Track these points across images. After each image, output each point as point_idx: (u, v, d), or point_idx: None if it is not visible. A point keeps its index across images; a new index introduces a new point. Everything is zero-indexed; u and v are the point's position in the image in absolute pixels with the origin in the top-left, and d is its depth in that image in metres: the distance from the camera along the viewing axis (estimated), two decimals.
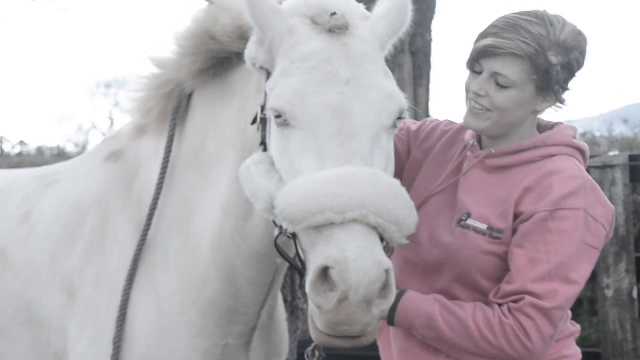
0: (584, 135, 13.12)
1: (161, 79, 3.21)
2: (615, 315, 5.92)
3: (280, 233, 2.61)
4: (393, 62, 7.11)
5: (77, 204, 3.36)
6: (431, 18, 7.35)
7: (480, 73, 2.94)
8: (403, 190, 2.54)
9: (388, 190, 2.48)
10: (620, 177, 6.04)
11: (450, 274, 2.96)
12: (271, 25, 2.74)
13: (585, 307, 7.96)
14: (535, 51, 2.85)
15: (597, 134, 13.94)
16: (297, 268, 2.68)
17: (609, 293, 5.94)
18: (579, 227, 2.81)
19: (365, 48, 2.70)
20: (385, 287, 2.42)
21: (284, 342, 3.49)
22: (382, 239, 2.52)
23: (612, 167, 6.05)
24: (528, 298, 2.76)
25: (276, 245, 2.68)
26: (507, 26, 2.90)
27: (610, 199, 6.01)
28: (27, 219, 3.44)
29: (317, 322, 2.48)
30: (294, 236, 2.58)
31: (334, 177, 2.46)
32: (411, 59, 7.26)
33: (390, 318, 2.92)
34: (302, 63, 2.67)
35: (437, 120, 3.38)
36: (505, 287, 2.82)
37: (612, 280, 5.93)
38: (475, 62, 2.95)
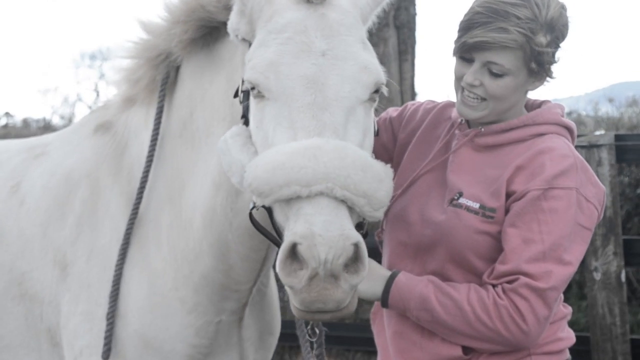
0: (569, 114, 13.22)
1: (150, 45, 3.18)
2: (604, 298, 5.89)
3: (254, 206, 2.61)
4: (377, 36, 6.98)
5: (67, 176, 3.33)
6: None
7: (469, 60, 2.91)
8: (373, 162, 2.52)
9: (354, 162, 2.45)
10: (606, 157, 6.01)
11: (443, 254, 2.94)
12: None
13: (574, 290, 7.93)
14: (526, 38, 2.83)
15: (583, 113, 13.97)
16: (275, 242, 2.68)
17: (597, 276, 5.90)
18: (571, 207, 2.81)
19: (343, 19, 2.68)
20: (355, 260, 2.41)
21: (276, 319, 3.52)
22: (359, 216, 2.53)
23: (598, 146, 6.02)
24: (522, 278, 2.76)
25: (251, 218, 2.70)
26: (493, 13, 2.86)
27: None
28: (17, 191, 3.41)
29: (292, 300, 2.47)
30: (269, 210, 2.57)
31: (301, 149, 2.45)
32: (396, 33, 7.15)
33: (384, 300, 2.91)
34: (278, 34, 2.65)
35: (417, 102, 3.38)
36: (500, 267, 2.81)
37: (600, 263, 5.89)
38: (466, 52, 2.92)
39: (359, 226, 2.59)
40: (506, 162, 2.90)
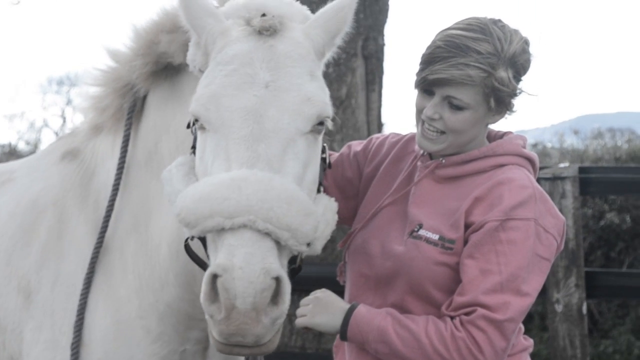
0: (535, 145, 13.28)
1: (116, 74, 3.19)
2: (565, 330, 5.92)
3: (191, 236, 2.63)
4: (345, 66, 7.01)
5: (33, 203, 3.30)
6: (384, 22, 7.25)
7: (430, 93, 2.91)
8: (300, 196, 2.53)
9: (279, 195, 2.47)
10: (570, 189, 6.06)
11: (402, 285, 2.93)
12: (204, 28, 2.76)
13: (536, 322, 7.97)
14: (487, 74, 2.83)
15: (549, 145, 14.08)
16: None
17: (559, 308, 5.93)
18: (529, 238, 2.80)
19: (291, 50, 2.70)
20: (276, 295, 2.42)
21: None
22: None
23: (562, 178, 6.07)
24: (480, 310, 2.75)
25: (186, 248, 2.71)
26: (454, 48, 2.86)
27: (560, 211, 5.95)
28: None
29: (211, 330, 2.48)
30: (203, 241, 2.59)
31: (227, 180, 2.47)
32: (364, 63, 7.17)
33: (343, 332, 2.89)
34: (224, 66, 2.68)
35: (382, 135, 3.37)
36: (457, 299, 2.80)
37: (561, 294, 5.93)
38: (426, 86, 2.92)
39: (292, 259, 2.62)
40: (466, 193, 2.89)
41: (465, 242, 2.85)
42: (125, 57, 3.15)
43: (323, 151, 2.93)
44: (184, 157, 2.82)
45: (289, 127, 2.60)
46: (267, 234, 2.44)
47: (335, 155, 3.33)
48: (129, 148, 3.19)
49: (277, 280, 2.40)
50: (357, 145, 3.37)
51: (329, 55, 2.90)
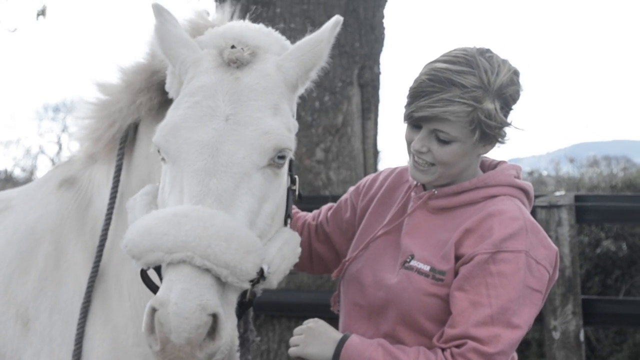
0: (530, 174, 13.28)
1: (107, 106, 3.19)
2: (563, 357, 5.92)
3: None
4: (341, 95, 7.03)
5: (31, 230, 3.31)
6: (380, 50, 7.27)
7: (418, 127, 2.91)
8: (240, 233, 2.52)
9: (218, 232, 2.47)
10: (566, 217, 6.06)
11: (394, 315, 2.94)
12: (177, 58, 2.79)
13: (534, 348, 7.95)
14: (472, 108, 2.82)
15: (544, 173, 14.09)
16: None
17: (556, 335, 5.92)
18: (520, 270, 2.79)
19: (256, 83, 2.72)
20: (212, 331, 2.42)
21: None
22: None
23: (558, 207, 6.07)
24: (470, 343, 2.74)
25: (141, 273, 2.70)
26: (438, 83, 2.84)
27: (557, 239, 6.01)
28: None
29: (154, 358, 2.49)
30: (158, 269, 2.59)
31: (169, 215, 2.49)
32: (359, 91, 7.18)
33: None
34: (190, 97, 2.70)
35: (375, 173, 3.39)
36: (448, 331, 2.80)
37: (559, 322, 5.91)
38: (413, 121, 2.92)
39: (243, 294, 2.61)
40: (458, 224, 2.89)
41: (456, 274, 2.85)
42: (116, 89, 3.17)
43: (293, 182, 2.96)
44: (150, 186, 2.87)
45: (243, 162, 2.61)
46: (208, 270, 2.44)
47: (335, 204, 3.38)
48: (123, 177, 3.21)
49: (213, 316, 2.40)
50: (352, 187, 3.40)
51: (300, 89, 2.91)
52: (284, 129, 2.71)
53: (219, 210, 2.52)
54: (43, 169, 30.25)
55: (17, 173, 25.66)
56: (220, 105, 2.66)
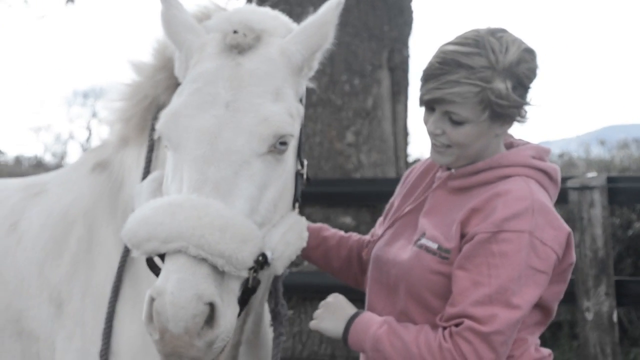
0: (561, 156, 13.18)
1: (139, 88, 3.20)
2: (596, 339, 5.90)
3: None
4: (371, 78, 7.05)
5: (64, 214, 3.33)
6: (408, 34, 7.28)
7: (432, 109, 2.91)
8: (236, 222, 2.50)
9: (212, 222, 2.46)
10: (599, 199, 6.04)
11: (404, 292, 2.95)
12: (183, 43, 2.79)
13: (566, 330, 7.93)
14: (480, 88, 2.79)
15: (575, 155, 13.99)
16: None
17: (589, 316, 5.91)
18: (521, 250, 2.75)
19: (257, 68, 2.70)
20: (210, 319, 2.42)
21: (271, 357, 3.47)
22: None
23: (590, 188, 6.03)
24: (467, 322, 2.73)
25: (147, 262, 2.68)
26: (445, 64, 2.83)
27: (589, 220, 5.98)
28: (15, 229, 3.40)
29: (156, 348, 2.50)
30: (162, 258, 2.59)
31: (165, 205, 2.50)
32: (389, 74, 7.20)
33: (345, 339, 2.93)
34: (191, 83, 2.70)
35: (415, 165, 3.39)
36: (448, 310, 2.80)
37: (592, 303, 5.90)
38: (425, 104, 2.92)
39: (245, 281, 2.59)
40: (467, 204, 2.88)
41: (460, 252, 2.84)
42: (148, 68, 3.18)
43: (301, 166, 2.95)
44: (158, 173, 2.86)
45: (242, 149, 2.60)
46: (204, 260, 2.44)
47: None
48: (153, 158, 3.21)
49: (210, 305, 2.40)
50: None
51: (306, 71, 2.88)
52: (284, 115, 2.69)
53: (215, 199, 2.51)
54: (73, 154, 30.53)
55: (48, 159, 25.89)
56: (220, 91, 2.65)
